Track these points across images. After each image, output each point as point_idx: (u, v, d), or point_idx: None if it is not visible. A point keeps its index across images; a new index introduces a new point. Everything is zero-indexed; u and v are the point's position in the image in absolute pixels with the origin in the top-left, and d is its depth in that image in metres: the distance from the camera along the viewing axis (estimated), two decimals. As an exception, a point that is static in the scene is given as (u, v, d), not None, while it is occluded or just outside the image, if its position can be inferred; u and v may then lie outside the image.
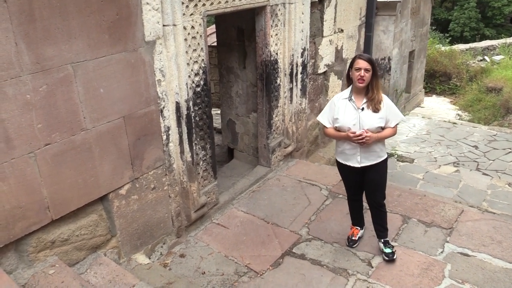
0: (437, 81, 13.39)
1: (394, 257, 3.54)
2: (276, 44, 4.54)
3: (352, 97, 3.28)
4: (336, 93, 5.97)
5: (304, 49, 4.91)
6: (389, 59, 9.50)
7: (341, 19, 5.71)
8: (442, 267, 3.46)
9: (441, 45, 15.88)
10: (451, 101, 12.38)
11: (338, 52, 5.90)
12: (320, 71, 5.56)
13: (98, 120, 2.91)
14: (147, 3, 3.00)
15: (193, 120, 3.63)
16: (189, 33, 3.42)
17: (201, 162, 3.91)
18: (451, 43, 18.73)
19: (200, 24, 3.50)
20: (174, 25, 3.22)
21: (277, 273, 3.47)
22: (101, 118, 2.93)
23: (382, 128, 3.29)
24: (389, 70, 9.60)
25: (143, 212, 3.45)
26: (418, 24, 10.60)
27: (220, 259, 3.66)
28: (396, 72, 9.91)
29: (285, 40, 4.64)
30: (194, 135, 3.68)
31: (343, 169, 3.52)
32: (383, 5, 8.86)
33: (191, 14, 3.40)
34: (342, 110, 3.31)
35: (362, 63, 3.12)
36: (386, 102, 3.26)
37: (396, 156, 7.03)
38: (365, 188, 3.53)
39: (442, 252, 3.64)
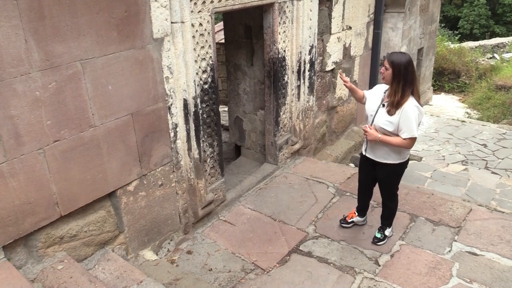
0: (446, 78, 13.28)
1: (379, 243, 3.71)
2: (284, 42, 4.53)
3: (387, 91, 3.31)
4: (344, 91, 5.96)
5: (312, 47, 4.89)
6: (398, 56, 9.44)
7: (349, 16, 5.68)
8: (450, 266, 3.45)
9: (450, 42, 15.75)
10: (460, 99, 12.28)
11: (346, 50, 5.87)
12: (328, 69, 5.54)
13: (106, 117, 2.93)
14: (156, 0, 3.00)
15: (200, 117, 3.63)
16: (197, 30, 3.42)
17: (209, 159, 3.92)
18: (460, 40, 18.59)
19: (208, 21, 3.50)
20: (182, 22, 3.23)
21: (284, 271, 3.48)
22: (110, 115, 2.94)
23: (393, 133, 3.22)
24: (397, 67, 9.55)
25: (151, 208, 3.47)
26: (427, 21, 10.52)
27: (227, 256, 3.67)
28: (404, 69, 9.85)
29: (293, 37, 4.62)
30: (201, 132, 3.69)
31: (361, 152, 3.70)
32: (392, 2, 8.80)
33: (199, 11, 3.40)
34: (373, 95, 3.44)
35: (385, 61, 3.18)
36: (406, 111, 3.11)
37: (404, 154, 6.99)
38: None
39: (450, 251, 3.62)
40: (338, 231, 3.96)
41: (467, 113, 10.82)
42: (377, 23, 6.38)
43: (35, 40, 2.44)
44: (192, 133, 3.58)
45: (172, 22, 3.17)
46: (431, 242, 3.74)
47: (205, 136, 3.80)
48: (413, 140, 3.18)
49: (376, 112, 3.30)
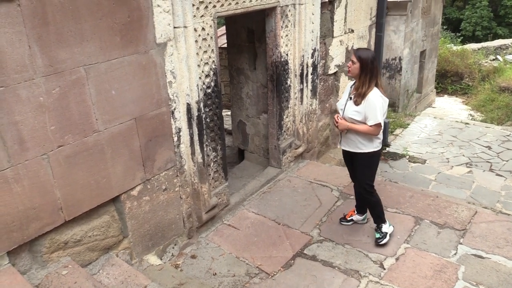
0: (449, 81, 13.27)
1: (381, 242, 3.73)
2: (286, 45, 4.53)
3: (353, 86, 3.58)
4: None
5: (314, 50, 4.89)
6: (400, 59, 9.45)
7: (352, 19, 5.68)
8: (456, 269, 3.43)
9: (452, 44, 15.73)
10: (463, 101, 12.26)
11: (349, 53, 5.86)
12: (330, 72, 5.54)
13: (110, 122, 2.93)
14: (158, 6, 3.01)
15: (204, 122, 3.64)
16: (199, 35, 3.43)
17: (212, 164, 3.92)
18: (463, 42, 18.56)
19: (210, 26, 3.50)
20: (185, 27, 3.23)
21: (289, 275, 3.46)
22: (113, 119, 2.95)
23: (361, 122, 3.45)
24: (400, 70, 9.56)
25: (155, 213, 3.47)
26: (429, 23, 10.52)
27: (231, 260, 3.66)
28: (407, 72, 9.85)
29: (295, 41, 4.63)
30: (205, 137, 3.69)
31: None
32: (394, 5, 8.82)
33: (202, 16, 3.41)
34: (344, 92, 3.72)
35: (352, 55, 3.45)
36: (370, 99, 3.37)
37: (407, 157, 6.97)
38: None
39: (455, 254, 3.60)
40: (343, 234, 3.94)
41: (470, 115, 10.80)
42: (379, 26, 6.37)
43: (39, 46, 2.45)
44: (196, 138, 3.58)
45: (175, 27, 3.18)
46: (436, 245, 3.72)
47: (209, 140, 3.80)
48: (378, 126, 3.42)
49: (345, 105, 3.56)
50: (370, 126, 3.41)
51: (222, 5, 3.57)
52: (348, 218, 4.06)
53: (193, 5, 3.30)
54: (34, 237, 2.71)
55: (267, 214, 4.30)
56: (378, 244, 3.74)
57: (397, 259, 3.58)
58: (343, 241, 3.85)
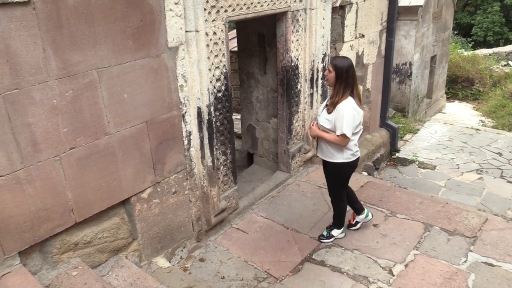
0: (459, 86, 13.17)
1: (322, 240, 3.90)
2: (297, 50, 4.54)
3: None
4: (357, 98, 5.94)
5: (324, 55, 4.89)
6: (410, 64, 9.42)
7: (362, 24, 5.68)
8: (466, 276, 3.39)
9: (463, 50, 15.61)
10: (473, 107, 12.15)
11: (359, 58, 5.86)
12: (340, 77, 5.53)
13: (121, 125, 2.96)
14: (171, 10, 3.04)
15: (214, 125, 3.65)
16: (211, 39, 3.45)
17: (222, 167, 3.93)
18: (474, 47, 18.41)
19: (222, 30, 3.52)
20: (197, 31, 3.25)
21: (297, 279, 3.46)
22: (125, 122, 2.97)
23: (332, 131, 3.45)
24: (410, 75, 9.52)
25: (164, 216, 3.49)
26: (440, 28, 10.47)
27: (239, 264, 3.66)
28: (417, 77, 9.81)
29: (305, 45, 4.63)
30: (215, 140, 3.70)
31: None
32: (405, 9, 8.80)
33: (213, 20, 3.43)
34: (324, 101, 3.77)
35: (328, 64, 3.48)
36: (339, 109, 3.33)
37: (417, 162, 6.93)
38: None
39: (465, 262, 3.57)
40: (352, 240, 3.92)
41: (481, 121, 10.70)
42: (390, 31, 6.36)
43: (53, 49, 2.48)
44: (206, 141, 3.60)
45: (186, 31, 3.20)
46: (446, 252, 3.69)
47: (219, 144, 3.81)
48: (344, 137, 3.36)
49: (321, 112, 3.58)
50: (337, 136, 3.38)
51: (234, 9, 3.59)
52: (353, 222, 4.07)
53: (205, 9, 3.31)
54: (45, 237, 2.74)
55: (276, 219, 4.30)
56: (318, 239, 3.93)
57: (406, 265, 3.56)
58: (352, 247, 3.83)
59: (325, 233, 3.94)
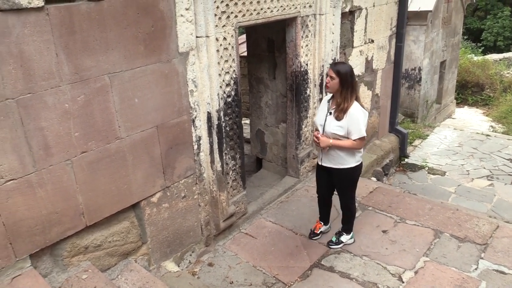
0: (469, 91, 13.08)
1: (331, 246, 3.88)
2: (306, 55, 4.54)
3: (331, 101, 3.53)
4: (366, 104, 5.94)
5: (334, 60, 4.89)
6: (420, 69, 9.38)
7: (372, 29, 5.67)
8: (477, 284, 3.36)
9: (473, 55, 15.52)
10: (484, 113, 12.05)
11: (368, 63, 5.85)
12: (349, 82, 5.52)
13: (132, 129, 2.98)
14: (182, 15, 3.06)
15: (223, 130, 3.66)
16: (221, 44, 3.46)
17: (231, 172, 3.94)
18: (484, 53, 18.30)
19: (232, 36, 3.54)
20: (207, 36, 3.27)
21: (305, 285, 3.44)
22: (135, 127, 2.99)
23: (344, 137, 3.40)
24: (420, 80, 9.47)
25: (173, 220, 3.50)
26: (450, 33, 10.42)
27: (248, 269, 3.66)
28: (426, 82, 9.76)
29: (315, 51, 4.64)
30: (224, 145, 3.71)
31: (316, 163, 3.80)
32: (414, 15, 8.78)
33: (224, 26, 3.44)
34: (320, 108, 3.65)
35: (329, 71, 3.38)
36: (352, 114, 3.33)
37: (427, 168, 6.88)
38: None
39: (476, 269, 3.53)
40: (361, 246, 3.90)
41: (491, 127, 10.60)
42: (399, 36, 6.34)
43: (66, 54, 2.51)
44: (215, 146, 3.61)
45: (197, 37, 3.22)
46: (457, 259, 3.65)
47: (228, 149, 3.82)
48: (362, 140, 3.40)
49: (325, 120, 3.48)
50: (354, 140, 3.37)
51: (244, 15, 3.61)
52: (318, 232, 4.05)
53: (215, 15, 3.33)
54: (56, 241, 2.76)
55: (285, 224, 4.29)
56: (328, 245, 3.91)
57: (416, 272, 3.53)
58: (361, 253, 3.81)
59: (334, 239, 3.92)
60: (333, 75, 3.31)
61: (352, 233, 3.94)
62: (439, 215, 4.32)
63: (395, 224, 4.21)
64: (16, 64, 2.31)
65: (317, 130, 3.58)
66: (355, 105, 3.36)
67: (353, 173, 3.59)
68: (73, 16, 2.49)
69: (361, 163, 3.60)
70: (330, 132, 3.42)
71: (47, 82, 2.47)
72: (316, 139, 3.46)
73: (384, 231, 4.10)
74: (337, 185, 3.73)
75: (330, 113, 3.45)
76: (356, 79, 3.41)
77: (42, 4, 2.32)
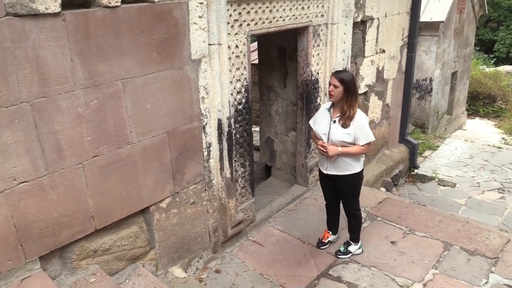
0: (481, 103, 12.98)
1: (339, 256, 3.86)
2: (317, 64, 4.55)
3: (331, 109, 3.53)
4: (377, 114, 5.92)
5: (345, 69, 4.89)
6: (431, 80, 9.35)
7: (383, 39, 5.67)
8: (487, 298, 3.31)
9: (485, 66, 15.43)
10: (495, 124, 11.94)
11: (379, 73, 5.84)
12: (360, 92, 5.52)
13: (143, 135, 3.00)
14: (195, 23, 3.09)
15: (233, 137, 3.68)
16: (233, 52, 3.49)
17: (240, 179, 3.94)
18: (496, 64, 18.17)
19: (244, 43, 3.57)
20: (219, 44, 3.30)
21: (313, 295, 3.42)
22: (147, 132, 3.02)
23: (351, 144, 3.42)
24: (431, 91, 9.44)
25: (182, 226, 3.51)
26: (462, 44, 10.38)
27: (255, 277, 3.65)
28: (437, 93, 9.72)
29: (326, 60, 4.65)
30: (234, 152, 3.72)
31: (319, 172, 3.80)
32: (426, 25, 8.76)
33: (236, 34, 3.47)
34: (320, 117, 3.62)
35: (332, 79, 3.39)
36: (358, 120, 3.37)
37: (437, 179, 6.83)
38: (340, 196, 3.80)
39: (486, 283, 3.48)
40: (369, 256, 3.87)
41: (503, 139, 10.50)
42: (411, 46, 6.33)
43: (80, 59, 2.55)
44: (225, 153, 3.62)
45: (209, 44, 3.25)
46: (466, 273, 3.61)
47: (237, 156, 3.83)
48: (370, 144, 3.45)
49: (329, 129, 3.47)
50: (362, 145, 3.41)
51: (256, 23, 3.63)
52: (325, 241, 4.04)
53: (228, 23, 3.36)
54: (65, 243, 2.78)
55: (293, 232, 4.28)
56: (336, 255, 3.89)
57: (424, 284, 3.49)
58: (369, 264, 3.78)
59: (342, 249, 3.90)
60: (337, 83, 3.34)
61: (360, 243, 3.92)
62: (449, 227, 4.28)
63: (404, 235, 4.17)
64: (32, 68, 2.35)
65: (319, 139, 3.58)
66: (359, 112, 3.42)
67: (358, 178, 3.62)
68: (89, 22, 2.53)
69: (363, 168, 3.65)
70: (337, 140, 3.42)
71: (62, 87, 2.50)
72: (323, 149, 3.45)
73: (392, 242, 4.07)
74: (342, 192, 3.72)
75: (334, 121, 3.45)
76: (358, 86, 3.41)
77: (59, 10, 2.36)
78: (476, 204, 5.97)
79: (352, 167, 3.52)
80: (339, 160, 3.49)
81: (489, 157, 7.88)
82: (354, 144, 3.41)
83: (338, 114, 3.43)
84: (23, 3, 2.22)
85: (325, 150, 3.43)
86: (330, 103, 3.56)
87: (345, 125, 3.39)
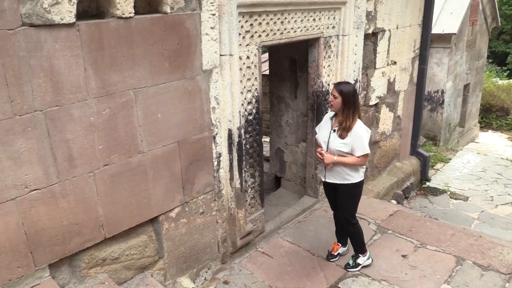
0: (494, 116, 12.86)
1: (349, 269, 3.81)
2: (328, 75, 4.55)
3: (333, 118, 3.57)
4: (387, 125, 5.89)
5: (356, 81, 4.89)
6: (443, 92, 9.29)
7: (395, 51, 5.66)
8: (500, 315, 3.24)
9: (498, 78, 15.30)
10: (508, 137, 11.79)
11: (391, 84, 5.82)
12: (371, 103, 5.50)
13: (154, 144, 3.02)
14: (207, 34, 3.12)
15: (243, 148, 3.68)
16: (244, 63, 3.51)
17: (249, 190, 3.93)
18: (509, 77, 18.01)
19: (255, 54, 3.58)
20: (231, 55, 3.32)
21: (322, 308, 3.38)
22: (157, 142, 3.03)
23: (349, 154, 3.43)
24: (442, 103, 9.37)
25: (191, 236, 3.50)
26: (474, 56, 10.32)
27: (263, 289, 3.62)
28: (449, 105, 9.64)
29: (337, 71, 4.64)
30: (244, 162, 3.72)
31: (322, 181, 3.79)
32: (437, 37, 8.74)
33: (247, 45, 3.49)
34: (323, 125, 3.69)
35: (333, 90, 3.44)
36: (356, 131, 3.38)
37: (449, 193, 6.74)
38: None
39: (500, 299, 3.41)
40: (379, 270, 3.82)
41: (517, 152, 10.36)
42: (422, 58, 6.31)
43: (93, 69, 2.58)
44: (235, 163, 3.62)
45: (221, 55, 3.27)
46: (479, 288, 3.54)
47: (247, 166, 3.82)
48: (366, 156, 3.46)
49: (329, 137, 3.51)
50: (358, 157, 3.41)
51: (268, 35, 3.65)
52: (335, 253, 4.00)
53: (240, 34, 3.39)
54: (75, 251, 2.78)
55: (302, 244, 4.24)
56: (345, 268, 3.85)
57: (436, 300, 3.43)
58: (380, 277, 3.73)
59: (351, 262, 3.85)
60: (336, 94, 3.38)
61: (368, 252, 3.88)
62: (461, 242, 4.21)
63: (416, 248, 4.11)
64: (46, 78, 2.38)
65: (319, 146, 3.61)
66: (358, 123, 3.42)
67: (358, 188, 3.61)
68: (102, 33, 2.56)
69: (363, 179, 3.64)
70: (334, 149, 3.46)
71: (75, 96, 2.53)
72: (320, 156, 3.50)
73: (403, 256, 4.01)
74: (339, 201, 3.69)
75: (334, 130, 3.50)
76: (359, 99, 3.48)
77: (74, 20, 2.40)
78: (489, 218, 5.87)
79: (350, 177, 3.52)
80: (337, 168, 3.52)
81: (503, 170, 7.77)
82: (351, 154, 3.43)
83: (337, 124, 3.49)
84: (39, 13, 2.26)
85: (321, 158, 3.48)
86: (334, 112, 3.60)
87: (341, 136, 3.43)
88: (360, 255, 3.84)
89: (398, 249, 4.12)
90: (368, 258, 3.87)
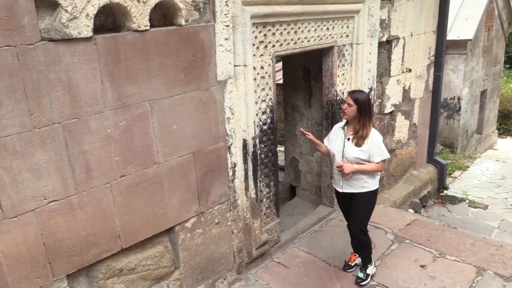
0: (512, 122, 12.64)
1: (362, 283, 3.72)
2: (342, 84, 4.54)
3: (345, 127, 3.56)
4: (403, 133, 5.84)
5: (370, 89, 4.86)
6: (459, 98, 9.18)
7: (409, 58, 5.62)
8: (524, 327, 3.15)
9: (516, 84, 15.04)
10: (528, 144, 11.58)
11: (406, 92, 5.77)
12: (386, 111, 5.46)
13: (170, 155, 3.04)
14: (221, 45, 3.14)
15: (258, 157, 3.68)
16: (258, 73, 3.52)
17: (265, 199, 3.92)
18: (527, 82, 17.66)
19: (269, 64, 3.60)
20: (245, 65, 3.34)
21: (339, 319, 3.33)
22: (173, 153, 3.05)
23: (366, 161, 3.42)
24: (459, 110, 9.26)
25: (206, 246, 3.50)
26: (491, 62, 10.19)
27: (280, 300, 3.59)
28: (466, 112, 9.52)
29: (351, 79, 4.63)
30: (259, 172, 3.72)
31: (335, 192, 3.79)
32: (453, 43, 8.66)
33: (261, 55, 3.51)
34: (334, 136, 3.65)
35: (347, 98, 3.42)
36: (372, 138, 3.38)
37: (467, 201, 6.62)
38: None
39: (523, 311, 3.32)
40: (397, 280, 3.76)
41: (537, 159, 10.14)
42: (438, 65, 6.25)
43: (110, 81, 2.62)
44: (250, 173, 3.62)
45: (235, 65, 3.29)
46: (501, 300, 3.46)
47: (262, 176, 3.82)
48: (384, 162, 3.48)
49: (344, 147, 3.48)
50: (377, 162, 3.41)
51: (281, 44, 3.67)
52: (352, 264, 3.95)
53: (253, 44, 3.41)
54: (92, 262, 2.80)
55: (318, 254, 4.21)
56: (358, 283, 3.74)
57: (457, 311, 3.36)
58: (398, 288, 3.67)
59: (362, 275, 3.75)
60: (351, 102, 3.36)
61: (372, 260, 3.84)
62: (481, 251, 4.12)
63: (434, 259, 4.04)
64: (64, 91, 2.43)
65: (329, 155, 3.64)
66: (373, 130, 3.43)
67: (374, 196, 3.58)
68: (119, 46, 2.61)
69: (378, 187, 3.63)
70: (352, 157, 3.43)
71: (92, 108, 2.57)
72: (339, 167, 3.43)
73: (422, 266, 3.94)
74: (356, 210, 3.59)
75: (348, 139, 3.47)
76: (374, 107, 3.45)
77: (91, 34, 2.44)
78: (510, 227, 5.74)
79: (369, 184, 3.49)
80: (355, 177, 3.48)
81: (523, 178, 7.61)
82: (369, 161, 3.42)
83: (352, 133, 3.46)
84: (57, 28, 2.31)
85: (341, 169, 3.42)
86: (344, 122, 3.59)
87: (358, 144, 3.41)
88: (368, 265, 3.79)
89: (417, 259, 4.05)
90: (373, 266, 3.85)
